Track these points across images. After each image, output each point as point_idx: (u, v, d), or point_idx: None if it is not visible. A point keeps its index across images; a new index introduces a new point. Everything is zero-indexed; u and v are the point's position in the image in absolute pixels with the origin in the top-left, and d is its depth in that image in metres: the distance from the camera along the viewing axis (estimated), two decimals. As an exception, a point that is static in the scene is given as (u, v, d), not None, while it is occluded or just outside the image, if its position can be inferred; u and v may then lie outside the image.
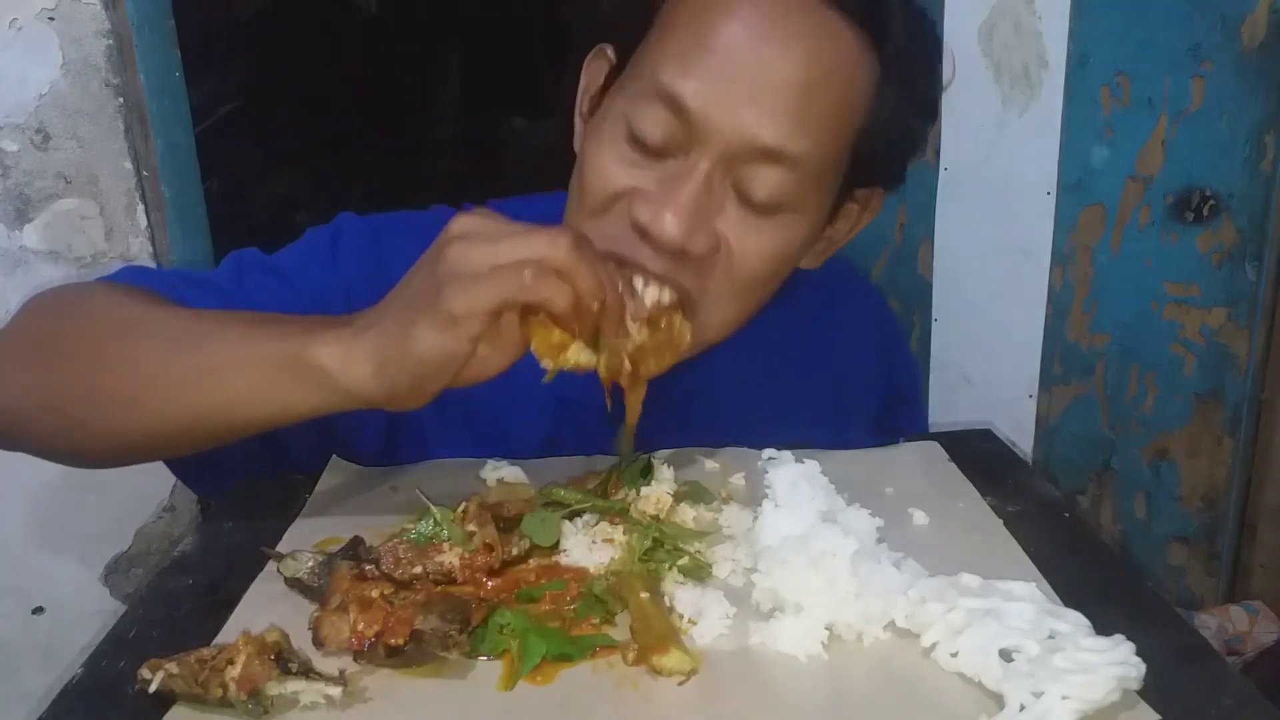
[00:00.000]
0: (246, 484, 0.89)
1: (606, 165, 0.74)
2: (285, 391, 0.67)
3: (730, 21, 0.69)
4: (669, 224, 0.70)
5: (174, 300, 0.79)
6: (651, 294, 0.70)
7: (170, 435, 0.73)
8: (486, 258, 0.62)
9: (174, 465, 0.88)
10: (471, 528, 0.72)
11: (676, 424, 0.87)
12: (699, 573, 0.73)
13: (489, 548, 0.71)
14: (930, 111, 0.78)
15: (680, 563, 0.73)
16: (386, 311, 0.65)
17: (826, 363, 1.02)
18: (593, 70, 0.82)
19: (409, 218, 0.95)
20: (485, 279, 0.61)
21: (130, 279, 0.82)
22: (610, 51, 0.80)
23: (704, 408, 0.92)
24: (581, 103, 0.83)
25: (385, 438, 0.90)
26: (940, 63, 0.78)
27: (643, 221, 0.72)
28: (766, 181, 0.71)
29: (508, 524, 0.76)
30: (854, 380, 1.04)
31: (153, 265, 1.20)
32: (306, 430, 0.76)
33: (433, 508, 0.74)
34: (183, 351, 0.70)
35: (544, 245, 0.61)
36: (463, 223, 0.64)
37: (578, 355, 0.67)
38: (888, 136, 0.75)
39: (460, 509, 0.74)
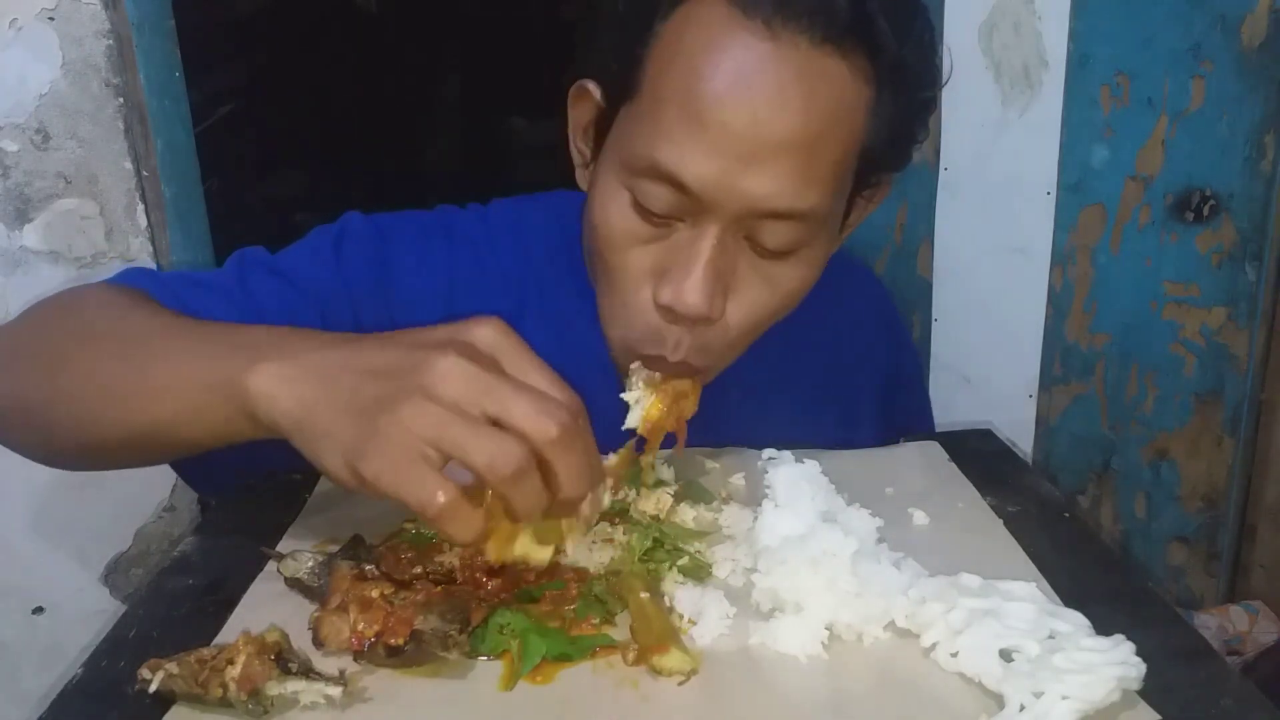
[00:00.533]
0: (246, 484, 0.89)
1: (619, 244, 0.73)
2: (217, 416, 0.63)
3: (719, 90, 0.66)
4: (692, 300, 0.70)
5: (168, 303, 0.78)
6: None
7: (126, 447, 0.71)
8: (467, 405, 0.54)
9: (175, 465, 0.88)
10: None
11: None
12: (699, 573, 0.73)
13: None
14: (930, 104, 0.76)
15: (680, 563, 0.73)
16: (338, 371, 0.59)
17: (831, 347, 1.02)
18: (579, 108, 0.80)
19: (415, 217, 0.94)
20: (448, 437, 0.54)
21: (131, 281, 0.81)
22: (595, 91, 0.77)
23: (711, 395, 0.93)
24: (574, 140, 0.82)
25: None
26: (936, 53, 0.76)
27: (666, 302, 0.72)
28: (778, 233, 0.71)
29: None
30: (858, 362, 1.04)
31: (153, 265, 1.20)
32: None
33: None
34: (131, 365, 0.67)
35: (535, 419, 0.54)
36: (467, 345, 0.57)
37: (527, 549, 0.60)
38: (890, 142, 0.74)
39: None
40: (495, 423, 0.55)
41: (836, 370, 1.03)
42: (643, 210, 0.71)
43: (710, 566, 0.73)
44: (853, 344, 1.04)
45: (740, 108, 0.65)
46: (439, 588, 0.68)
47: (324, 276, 0.86)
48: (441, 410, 0.54)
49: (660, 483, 0.83)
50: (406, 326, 0.81)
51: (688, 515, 0.79)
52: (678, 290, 0.70)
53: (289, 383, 0.59)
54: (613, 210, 0.73)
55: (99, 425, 0.69)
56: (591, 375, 0.82)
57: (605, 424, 0.77)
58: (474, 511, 0.56)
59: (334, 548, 0.75)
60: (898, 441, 0.97)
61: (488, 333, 0.58)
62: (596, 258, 0.77)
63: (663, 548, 0.74)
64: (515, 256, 0.92)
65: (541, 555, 0.61)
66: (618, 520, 0.76)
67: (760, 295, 0.74)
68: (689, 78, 0.66)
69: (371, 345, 0.60)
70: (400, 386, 0.55)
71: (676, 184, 0.68)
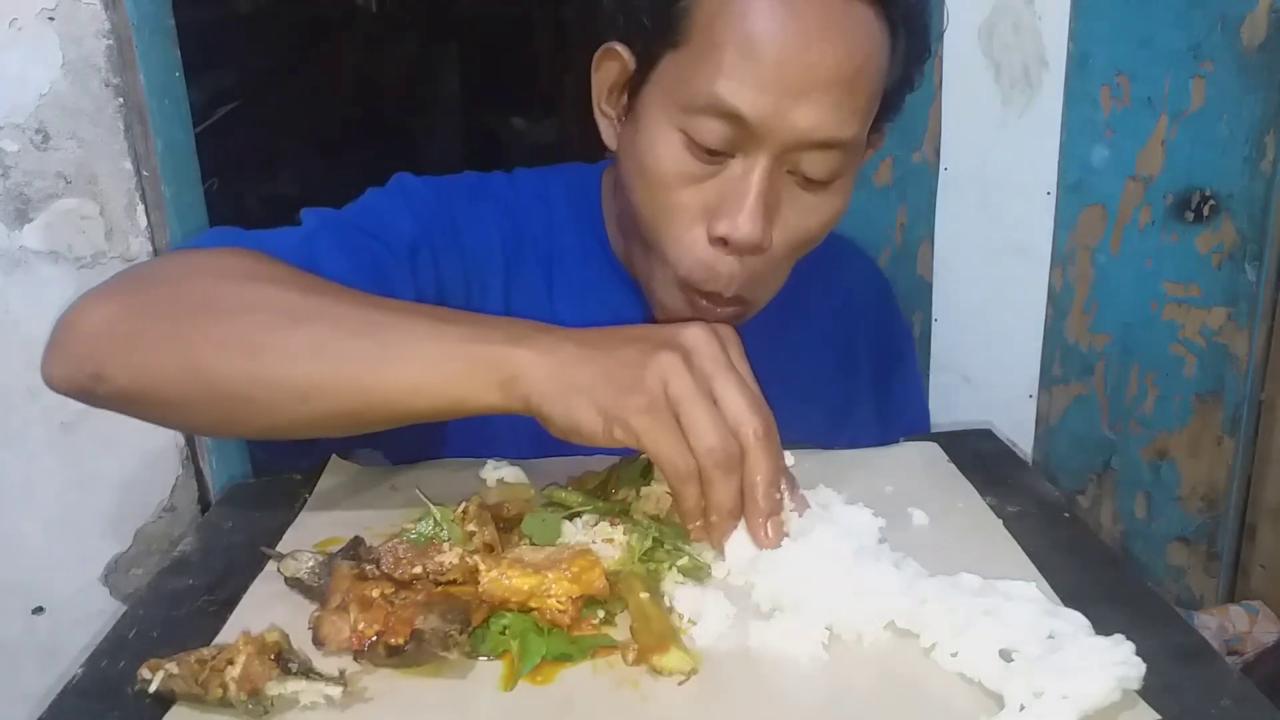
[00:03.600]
0: (246, 485, 0.89)
1: (672, 183, 0.78)
2: (469, 385, 0.69)
3: (772, 31, 0.73)
4: (747, 230, 0.76)
5: (305, 270, 0.77)
6: None
7: (337, 420, 0.72)
8: (709, 373, 0.67)
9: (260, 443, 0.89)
10: (471, 528, 0.72)
11: None
12: (699, 573, 0.73)
13: (489, 547, 0.71)
14: (927, 53, 0.84)
15: (680, 563, 0.73)
16: (590, 356, 0.68)
17: (827, 315, 1.06)
18: (604, 69, 0.85)
19: (460, 178, 0.98)
20: (688, 406, 0.65)
21: (235, 241, 0.81)
22: (623, 50, 0.82)
23: None
24: (600, 101, 0.86)
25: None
26: (929, 6, 0.83)
27: (722, 233, 0.77)
28: (822, 163, 0.77)
29: (508, 524, 0.76)
30: (854, 328, 1.07)
31: (153, 265, 1.20)
32: None
33: (433, 507, 0.74)
34: (369, 340, 0.70)
35: (754, 413, 0.67)
36: (699, 342, 0.68)
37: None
38: (898, 86, 0.82)
39: (460, 509, 0.74)
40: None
41: (833, 343, 1.06)
42: (695, 149, 0.77)
43: (710, 566, 0.73)
44: (848, 311, 1.07)
45: (791, 46, 0.73)
46: (439, 588, 0.68)
47: (405, 230, 0.88)
48: (690, 376, 0.65)
49: (642, 464, 0.83)
50: (477, 283, 0.91)
51: None
52: (733, 222, 0.76)
53: (550, 353, 0.68)
54: (663, 152, 0.78)
55: (327, 399, 0.70)
56: None
57: None
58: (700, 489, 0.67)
59: (334, 548, 0.75)
60: (894, 426, 0.98)
61: (713, 330, 0.69)
62: (647, 202, 0.81)
63: (663, 548, 0.74)
64: (543, 223, 0.96)
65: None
66: (618, 520, 0.76)
67: (801, 223, 0.80)
68: (743, 21, 0.74)
69: (620, 328, 0.71)
70: (659, 344, 0.67)
71: (734, 117, 0.74)
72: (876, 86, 0.78)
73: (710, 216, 0.78)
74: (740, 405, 0.66)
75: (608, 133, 0.87)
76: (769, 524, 0.69)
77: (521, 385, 0.68)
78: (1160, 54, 1.52)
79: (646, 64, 0.80)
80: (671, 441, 0.65)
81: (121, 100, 1.15)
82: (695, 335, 0.68)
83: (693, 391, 0.65)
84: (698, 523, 0.70)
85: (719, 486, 0.66)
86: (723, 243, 0.78)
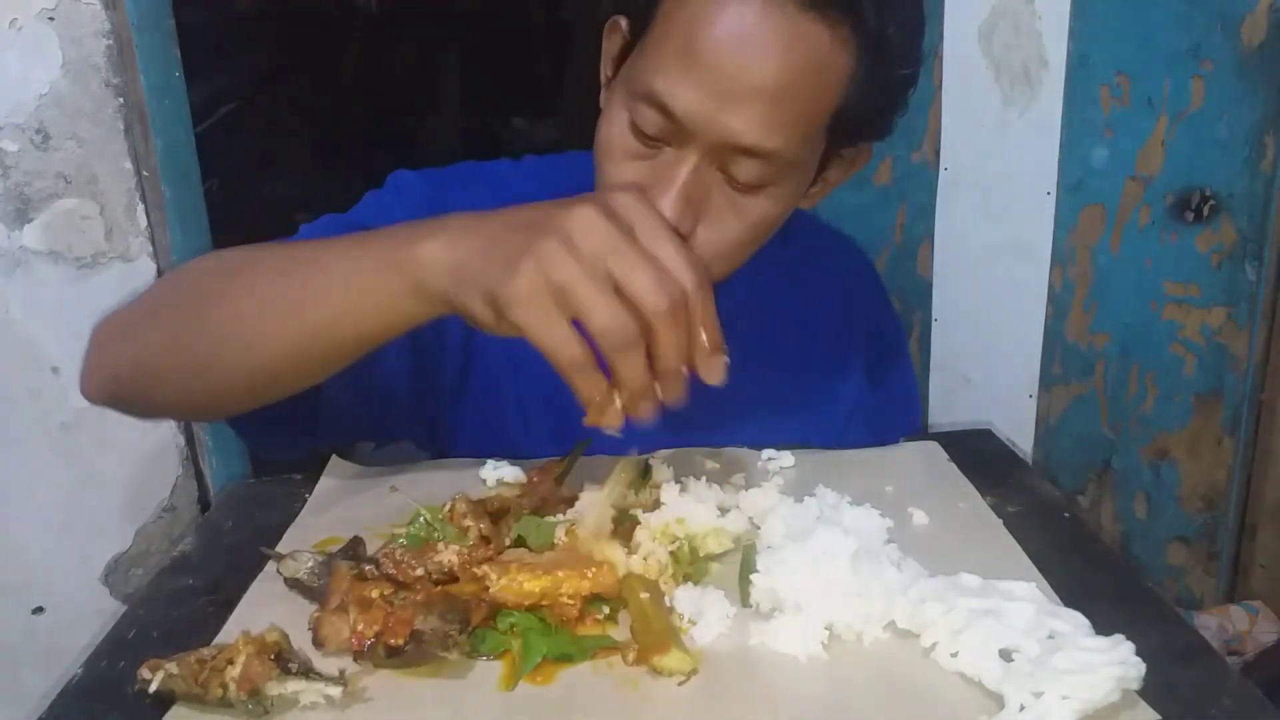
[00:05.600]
0: (246, 485, 0.89)
1: (614, 155, 0.82)
2: (389, 296, 0.68)
3: (712, 36, 0.75)
4: (663, 210, 0.77)
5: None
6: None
7: (294, 359, 0.74)
8: (596, 259, 0.62)
9: (247, 427, 0.89)
10: (466, 523, 0.73)
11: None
12: (699, 573, 0.73)
13: (486, 540, 0.71)
14: (912, 77, 0.83)
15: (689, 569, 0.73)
16: (484, 247, 0.65)
17: (819, 311, 1.06)
18: (611, 39, 0.88)
19: (460, 168, 1.01)
20: (576, 294, 0.61)
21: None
22: (624, 24, 0.85)
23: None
24: (605, 67, 0.89)
25: (460, 371, 0.95)
26: (922, 33, 0.83)
27: None
28: (748, 168, 0.78)
29: (494, 516, 0.76)
30: (844, 328, 1.07)
31: (153, 265, 1.20)
32: (397, 359, 0.85)
33: (421, 509, 0.75)
34: (291, 276, 0.72)
35: (651, 292, 0.62)
36: (607, 206, 0.64)
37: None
38: (866, 107, 0.81)
39: (448, 507, 0.75)
40: (616, 286, 0.62)
41: (824, 335, 1.06)
42: (637, 131, 0.79)
43: (710, 567, 0.74)
44: (840, 306, 1.07)
45: (726, 54, 0.75)
46: (439, 587, 0.68)
47: (396, 220, 0.89)
48: (574, 261, 0.61)
49: (642, 464, 0.83)
50: None
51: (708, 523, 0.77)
52: (655, 200, 0.77)
53: (450, 247, 0.66)
54: (614, 127, 0.81)
55: (266, 341, 0.72)
56: None
57: None
58: (599, 375, 0.63)
59: (334, 548, 0.75)
60: (887, 421, 0.98)
61: (628, 199, 0.65)
62: (597, 168, 0.84)
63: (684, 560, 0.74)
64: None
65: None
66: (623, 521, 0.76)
67: (728, 223, 0.81)
68: (691, 23, 0.76)
69: (521, 207, 0.67)
70: (543, 230, 0.63)
71: (666, 111, 0.76)
72: (818, 105, 0.78)
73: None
74: (643, 281, 0.62)
75: (602, 95, 0.89)
76: (713, 360, 0.66)
77: (431, 285, 0.66)
78: (1160, 54, 1.52)
79: (633, 41, 0.83)
80: (553, 330, 0.62)
81: (121, 100, 1.16)
82: (580, 218, 0.63)
83: (577, 276, 0.61)
84: (595, 409, 0.66)
85: (621, 366, 0.63)
86: None
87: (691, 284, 0.64)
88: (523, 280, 0.61)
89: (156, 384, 0.79)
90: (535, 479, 0.83)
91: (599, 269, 0.62)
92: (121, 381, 0.80)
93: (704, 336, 0.65)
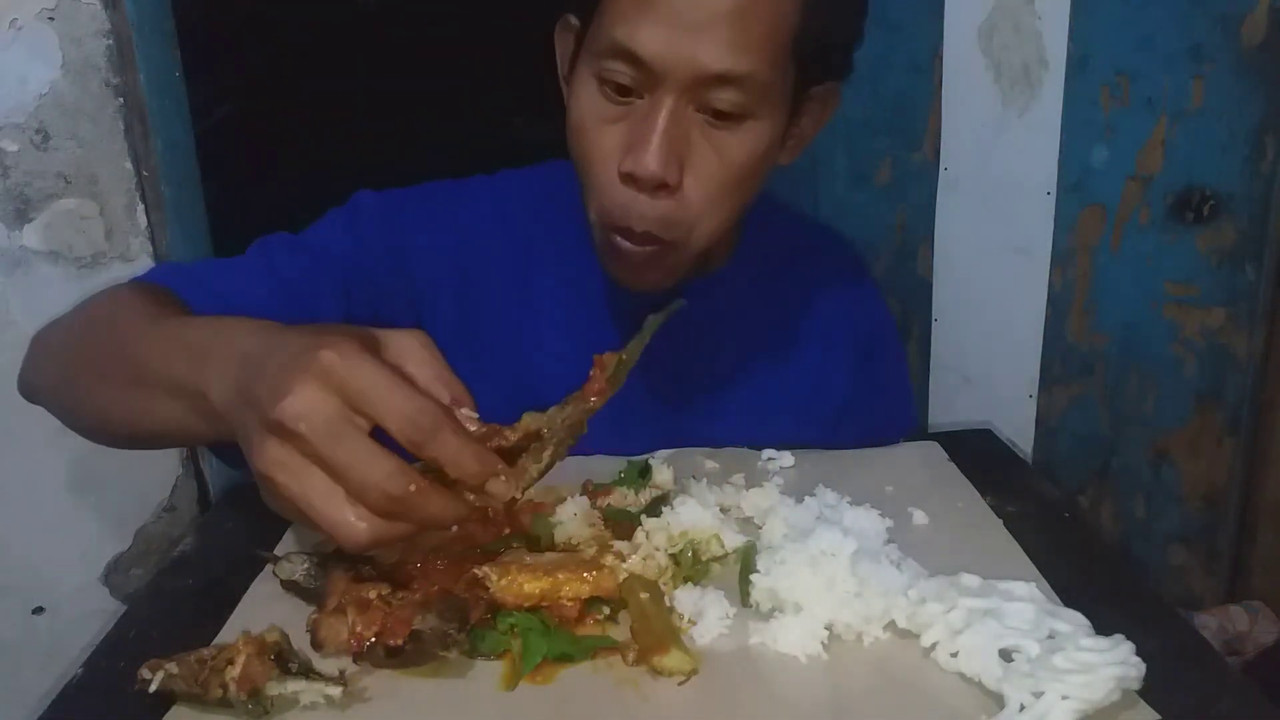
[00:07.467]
0: (246, 485, 0.89)
1: (589, 126, 0.82)
2: (190, 422, 0.65)
3: None
4: (648, 165, 0.78)
5: (197, 297, 0.81)
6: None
7: (131, 438, 0.78)
8: (334, 466, 0.56)
9: (225, 454, 0.88)
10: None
11: (668, 361, 0.91)
12: (698, 573, 0.73)
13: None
14: (861, 9, 0.85)
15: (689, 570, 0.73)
16: (240, 400, 0.60)
17: (801, 305, 1.06)
18: (563, 40, 0.89)
19: (423, 187, 1.00)
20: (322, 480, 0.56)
21: (161, 277, 0.85)
22: (574, 19, 0.86)
23: (685, 340, 0.95)
24: (562, 66, 0.90)
25: None
26: None
27: (627, 169, 0.79)
28: (724, 97, 0.78)
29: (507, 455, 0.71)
30: (829, 324, 1.07)
31: (152, 265, 1.20)
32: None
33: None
34: (121, 394, 0.72)
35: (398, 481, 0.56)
36: (305, 410, 0.55)
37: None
38: (824, 35, 0.82)
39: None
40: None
41: (807, 323, 1.06)
42: (607, 91, 0.80)
43: (710, 567, 0.74)
44: (824, 300, 1.07)
45: None
46: (437, 588, 0.68)
47: (344, 247, 0.92)
48: (308, 441, 0.55)
49: (641, 465, 0.83)
50: (425, 286, 0.94)
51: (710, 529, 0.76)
52: (637, 158, 0.78)
53: (222, 379, 0.62)
54: (584, 97, 0.82)
55: (115, 408, 0.74)
56: (606, 327, 0.95)
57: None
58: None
59: (334, 547, 0.75)
60: (878, 418, 0.98)
61: (312, 397, 0.56)
62: (574, 149, 0.84)
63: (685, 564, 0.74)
64: (525, 219, 1.00)
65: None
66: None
67: (712, 164, 0.81)
68: None
69: (275, 350, 0.60)
70: (267, 416, 0.56)
71: (633, 58, 0.77)
72: (779, 23, 0.79)
73: (621, 155, 0.81)
74: (367, 469, 0.55)
75: (566, 100, 0.89)
76: (502, 477, 0.60)
77: (218, 418, 0.62)
78: (1160, 54, 1.52)
79: (584, 29, 0.84)
80: (322, 501, 0.56)
81: (121, 100, 1.15)
82: (299, 405, 0.55)
83: (318, 457, 0.55)
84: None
85: (432, 451, 0.57)
86: (632, 179, 0.80)
87: (429, 425, 0.57)
88: (270, 454, 0.56)
89: (62, 413, 0.82)
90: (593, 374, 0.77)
91: (329, 446, 0.55)
92: (41, 398, 0.84)
93: (464, 470, 0.58)
